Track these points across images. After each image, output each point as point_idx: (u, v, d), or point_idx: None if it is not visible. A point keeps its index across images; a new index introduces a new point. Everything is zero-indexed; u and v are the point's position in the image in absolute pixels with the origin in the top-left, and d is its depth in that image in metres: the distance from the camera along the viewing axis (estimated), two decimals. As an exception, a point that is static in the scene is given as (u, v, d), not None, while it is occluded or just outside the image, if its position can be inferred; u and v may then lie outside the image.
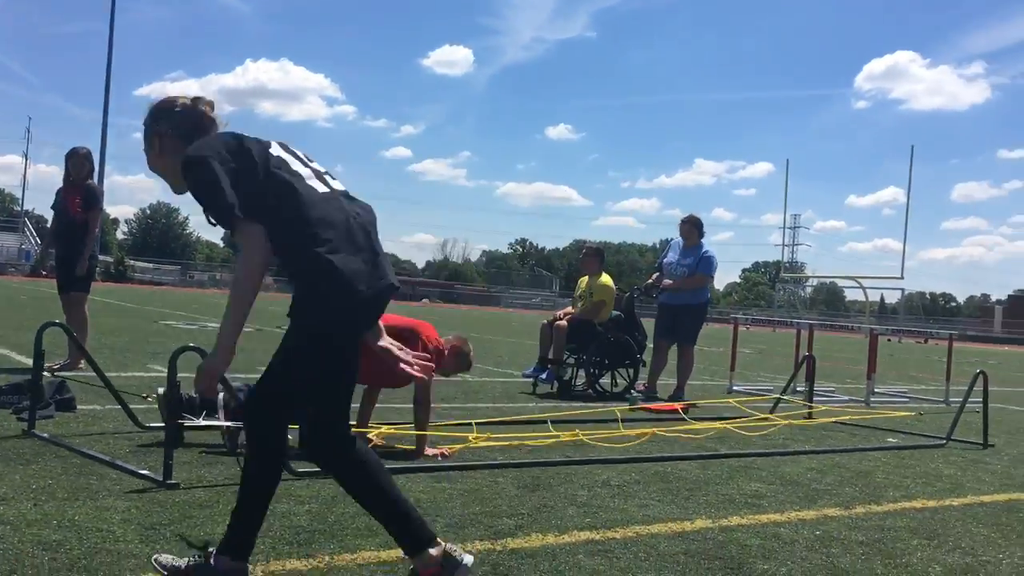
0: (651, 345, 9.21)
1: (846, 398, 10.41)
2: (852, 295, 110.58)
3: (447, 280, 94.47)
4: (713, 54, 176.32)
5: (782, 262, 27.87)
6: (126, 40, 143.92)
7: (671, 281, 8.99)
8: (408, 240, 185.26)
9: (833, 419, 7.90)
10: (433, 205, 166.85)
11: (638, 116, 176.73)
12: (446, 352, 5.01)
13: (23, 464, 4.01)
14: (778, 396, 8.48)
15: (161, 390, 4.73)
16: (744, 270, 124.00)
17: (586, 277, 9.02)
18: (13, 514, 3.22)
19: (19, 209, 74.20)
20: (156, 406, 4.67)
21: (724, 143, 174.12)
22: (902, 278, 12.25)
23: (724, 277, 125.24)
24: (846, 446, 6.49)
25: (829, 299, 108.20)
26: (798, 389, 9.43)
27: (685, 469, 5.10)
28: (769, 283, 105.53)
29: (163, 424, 4.16)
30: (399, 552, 3.11)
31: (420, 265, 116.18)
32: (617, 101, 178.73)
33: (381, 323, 5.09)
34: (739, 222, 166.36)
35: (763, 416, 7.62)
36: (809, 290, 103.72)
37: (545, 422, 6.32)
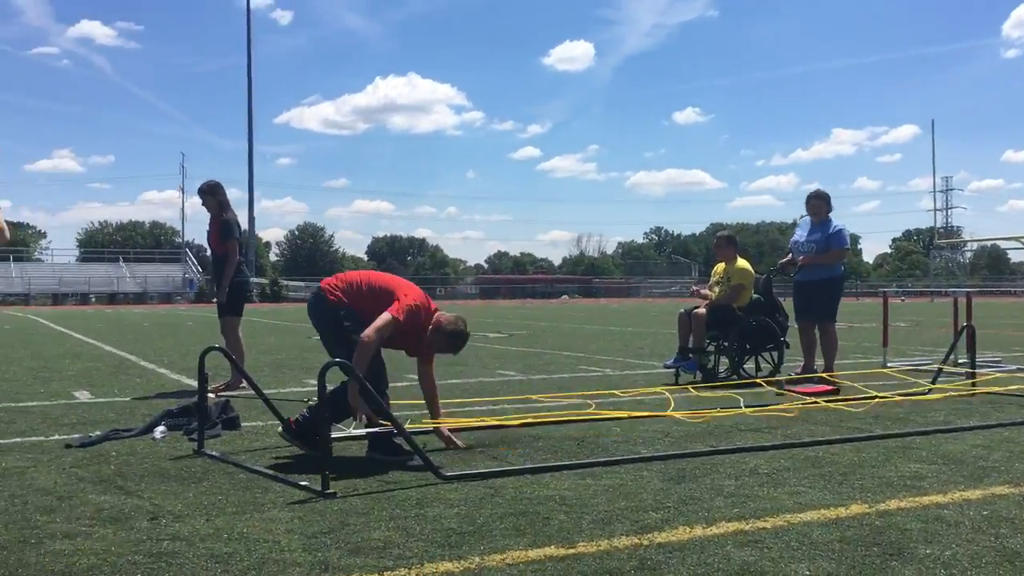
0: (795, 326, 8.95)
1: (1014, 367, 9.79)
2: (1018, 256, 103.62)
3: (584, 275, 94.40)
4: (843, 17, 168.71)
5: (935, 228, 26.51)
6: (263, 71, 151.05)
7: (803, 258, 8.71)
8: (543, 238, 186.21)
9: (1000, 390, 7.45)
10: (565, 201, 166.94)
11: (768, 91, 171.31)
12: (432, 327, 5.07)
13: (195, 482, 4.30)
14: (938, 367, 8.06)
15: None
16: (894, 239, 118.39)
17: (722, 263, 8.85)
18: (188, 530, 3.46)
19: (180, 241, 79.06)
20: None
21: (862, 109, 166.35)
22: (1071, 233, 11.41)
23: (873, 248, 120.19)
24: (1016, 419, 6.11)
25: (992, 263, 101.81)
26: (960, 361, 8.94)
27: (837, 453, 4.94)
28: (923, 251, 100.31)
29: (318, 436, 4.35)
30: (548, 551, 3.17)
31: (556, 262, 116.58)
32: (745, 78, 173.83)
33: (362, 278, 5.10)
34: (885, 190, 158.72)
35: (921, 390, 7.27)
36: (968, 255, 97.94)
37: (685, 413, 6.25)
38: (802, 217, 9.30)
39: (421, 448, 4.42)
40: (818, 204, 8.87)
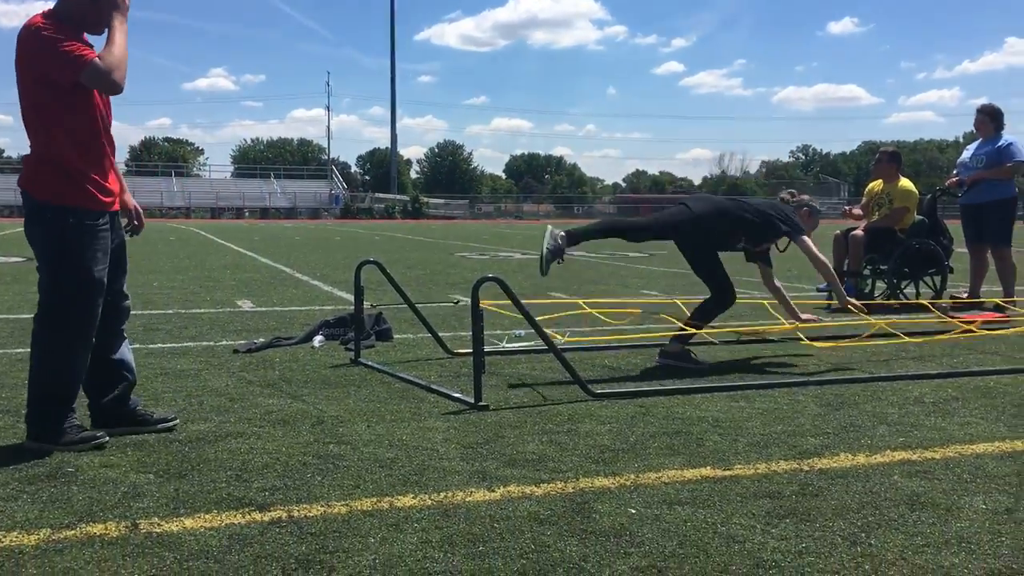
0: (962, 251, 8.43)
1: None
2: None
3: (726, 195, 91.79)
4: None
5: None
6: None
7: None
8: (683, 156, 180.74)
9: None
10: (708, 119, 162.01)
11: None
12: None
13: (354, 390, 4.47)
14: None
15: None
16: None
17: (879, 182, 8.36)
18: (351, 434, 3.61)
19: (326, 158, 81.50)
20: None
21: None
22: None
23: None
24: None
25: None
26: None
27: (1010, 384, 4.66)
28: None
29: (469, 351, 4.43)
30: (704, 471, 3.14)
31: (696, 182, 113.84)
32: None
33: None
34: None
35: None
36: None
37: (845, 336, 6.02)
38: (967, 137, 8.70)
39: (572, 365, 4.43)
40: (980, 119, 8.21)
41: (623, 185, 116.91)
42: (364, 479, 3.04)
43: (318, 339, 5.81)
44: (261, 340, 5.82)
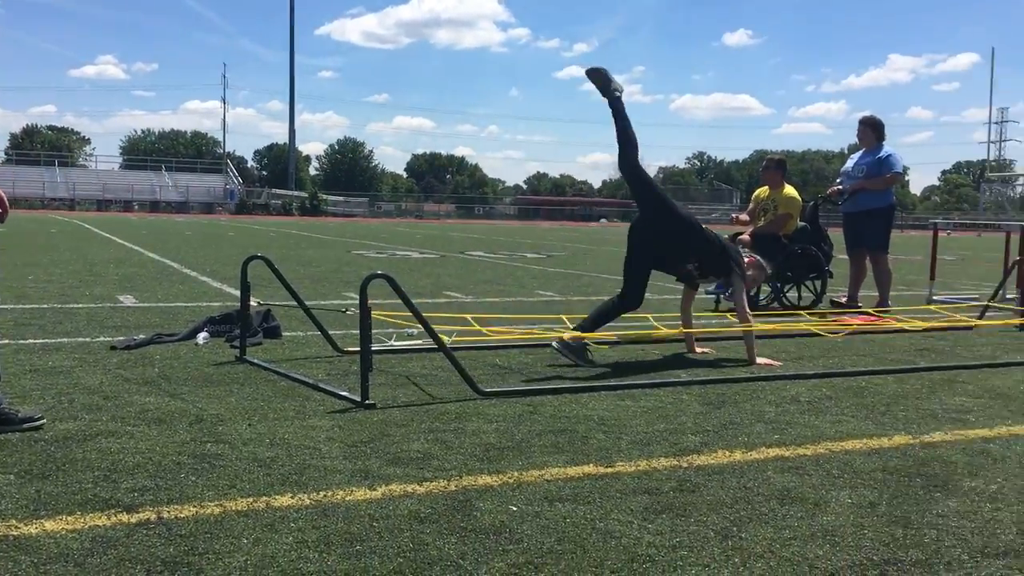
0: (845, 257, 8.79)
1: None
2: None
3: (624, 199, 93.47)
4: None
5: (988, 161, 25.74)
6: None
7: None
8: (584, 160, 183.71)
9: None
10: (608, 123, 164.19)
11: (824, 14, 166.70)
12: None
13: (237, 388, 4.35)
14: (985, 304, 7.90)
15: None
16: (943, 172, 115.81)
17: (766, 188, 8.64)
18: (231, 433, 3.50)
19: (221, 152, 79.32)
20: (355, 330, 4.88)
21: (921, 35, 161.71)
22: None
23: (922, 180, 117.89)
24: (1065, 357, 5.97)
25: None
26: (1008, 297, 8.75)
27: (880, 384, 4.87)
28: (973, 184, 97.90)
29: (358, 349, 4.37)
30: (586, 469, 3.17)
31: (596, 185, 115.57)
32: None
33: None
34: (939, 120, 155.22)
35: (965, 323, 7.13)
36: (1020, 189, 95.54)
37: (729, 338, 6.19)
38: (851, 147, 9.13)
39: (461, 364, 4.41)
40: (862, 130, 8.61)
41: (524, 187, 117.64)
42: (241, 479, 2.95)
43: (202, 336, 5.64)
44: (141, 336, 5.61)
